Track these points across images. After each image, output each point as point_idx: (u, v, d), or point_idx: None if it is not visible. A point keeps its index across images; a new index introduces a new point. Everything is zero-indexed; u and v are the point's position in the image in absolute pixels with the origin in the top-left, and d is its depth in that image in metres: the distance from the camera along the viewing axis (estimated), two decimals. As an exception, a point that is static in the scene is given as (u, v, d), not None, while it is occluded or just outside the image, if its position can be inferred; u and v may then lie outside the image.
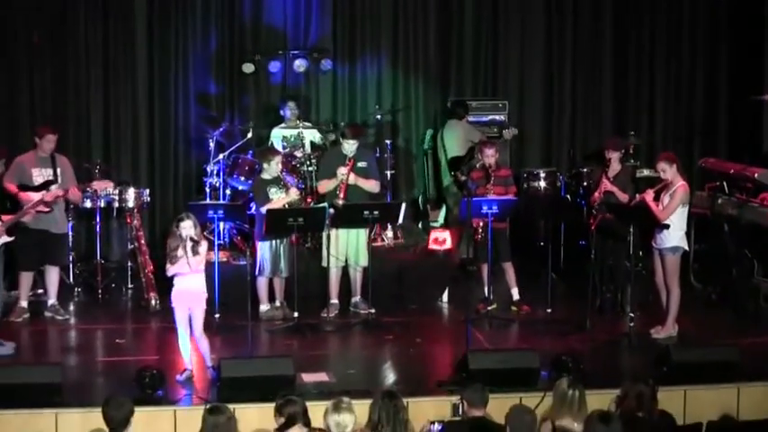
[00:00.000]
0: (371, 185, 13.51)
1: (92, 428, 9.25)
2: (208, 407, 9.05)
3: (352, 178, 13.27)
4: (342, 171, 13.26)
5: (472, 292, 13.77)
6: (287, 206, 12.98)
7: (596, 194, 13.16)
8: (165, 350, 11.88)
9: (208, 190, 15.12)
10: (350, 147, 13.34)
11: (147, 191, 14.57)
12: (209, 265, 11.51)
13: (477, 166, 13.80)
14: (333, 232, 13.32)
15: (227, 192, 14.96)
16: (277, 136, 15.39)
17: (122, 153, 15.85)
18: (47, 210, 12.68)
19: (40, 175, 12.93)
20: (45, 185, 12.77)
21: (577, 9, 16.72)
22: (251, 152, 15.11)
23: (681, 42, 16.73)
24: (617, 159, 13.32)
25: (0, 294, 12.01)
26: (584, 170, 15.18)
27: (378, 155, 15.17)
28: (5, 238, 11.81)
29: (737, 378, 10.97)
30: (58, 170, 13.01)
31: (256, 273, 13.09)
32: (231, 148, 15.20)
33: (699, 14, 16.73)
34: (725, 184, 14.42)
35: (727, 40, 16.56)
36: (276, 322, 13.08)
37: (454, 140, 15.67)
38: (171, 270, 10.95)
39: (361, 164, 13.42)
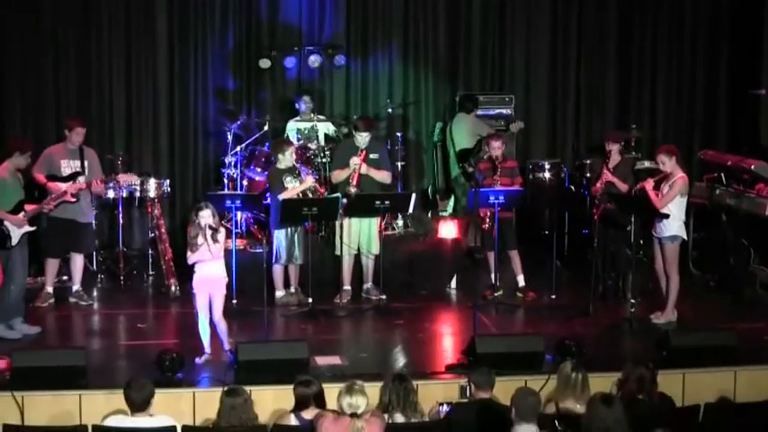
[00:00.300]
0: (383, 176, 13.52)
1: (114, 409, 9.32)
2: (225, 389, 9.11)
3: (365, 169, 13.29)
4: (355, 161, 13.28)
5: (479, 279, 13.81)
6: (301, 194, 12.99)
7: (598, 185, 13.18)
8: (184, 334, 11.90)
9: (226, 181, 15.17)
10: (363, 139, 13.35)
11: (168, 181, 14.61)
12: (226, 253, 11.54)
13: (485, 157, 13.83)
14: (346, 221, 13.34)
15: (245, 182, 14.99)
16: (292, 129, 15.42)
17: (144, 145, 15.88)
18: (73, 200, 12.75)
19: (68, 167, 12.97)
20: (72, 176, 12.83)
21: (582, 6, 16.69)
22: (267, 144, 15.15)
23: (683, 40, 16.71)
24: (617, 151, 13.34)
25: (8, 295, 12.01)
26: (587, 162, 15.18)
27: (389, 147, 15.17)
28: (27, 228, 11.87)
29: (734, 362, 11.01)
30: (86, 162, 13.05)
31: (273, 260, 13.12)
32: (248, 141, 15.25)
33: (700, 14, 16.70)
34: (723, 175, 14.42)
35: (727, 39, 16.54)
36: (291, 308, 13.11)
37: (462, 133, 15.68)
38: (192, 258, 10.99)
39: (373, 155, 13.43)
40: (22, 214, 11.80)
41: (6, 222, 11.75)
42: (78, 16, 15.51)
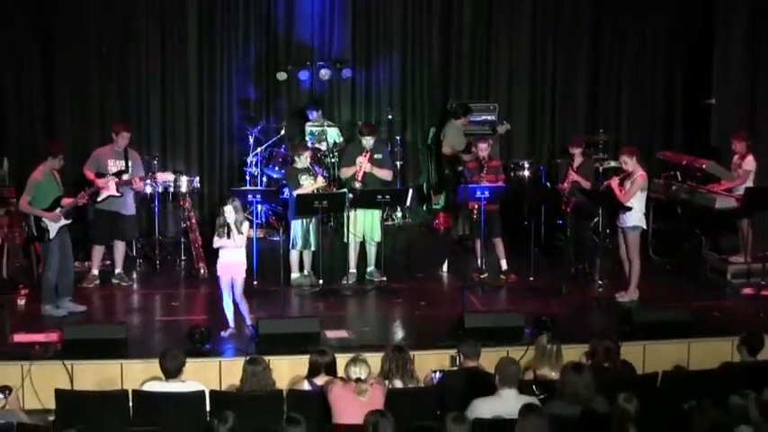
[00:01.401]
0: (385, 174, 13.53)
1: (151, 376, 9.36)
2: (248, 358, 9.16)
3: (369, 167, 13.31)
4: (360, 159, 13.31)
5: (468, 263, 13.82)
6: (316, 191, 13.02)
7: (564, 184, 13.32)
8: (211, 311, 11.93)
9: (248, 178, 15.17)
10: (367, 142, 13.38)
11: (198, 178, 14.63)
12: (248, 241, 11.58)
13: (470, 158, 13.93)
14: (352, 213, 13.33)
15: (264, 179, 15.00)
16: (306, 131, 15.44)
17: (177, 147, 15.84)
18: (118, 194, 12.83)
19: (114, 166, 13.04)
20: (117, 174, 12.89)
21: (557, 26, 16.65)
22: (284, 147, 15.16)
23: (644, 57, 16.65)
24: (579, 154, 13.46)
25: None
26: (559, 161, 15.20)
27: (389, 148, 15.15)
28: (63, 222, 11.88)
29: (688, 335, 11.07)
30: (129, 162, 13.10)
31: (290, 246, 13.14)
32: (267, 143, 15.24)
33: (660, 34, 16.66)
34: (678, 173, 14.44)
35: (683, 56, 16.48)
36: (304, 288, 13.11)
37: (447, 137, 15.64)
38: (218, 243, 11.07)
39: (377, 156, 13.45)
40: (57, 210, 11.81)
41: (44, 219, 11.79)
42: (119, 33, 15.46)
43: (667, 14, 16.56)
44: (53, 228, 11.80)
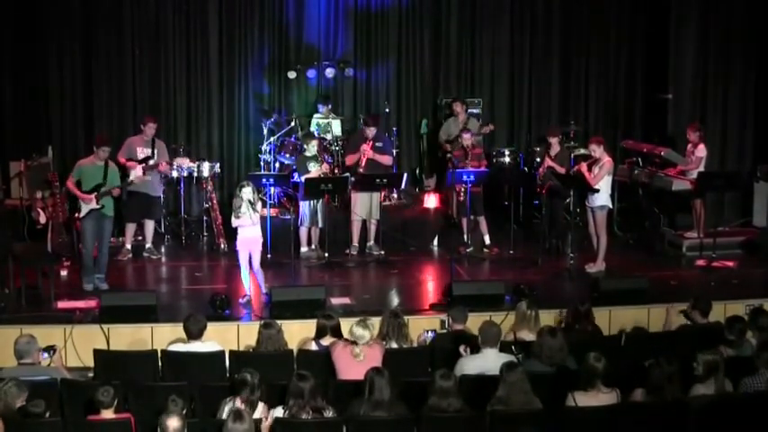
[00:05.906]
0: (386, 160, 13.53)
1: (177, 338, 9.33)
2: (262, 322, 9.15)
3: (371, 154, 13.29)
4: (364, 147, 13.29)
5: (455, 238, 13.76)
6: (322, 176, 12.98)
7: (541, 169, 13.32)
8: (230, 281, 11.91)
9: (262, 164, 15.11)
10: (370, 131, 13.36)
11: (218, 164, 14.58)
12: (262, 220, 11.56)
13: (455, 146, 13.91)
14: (354, 195, 13.31)
15: (276, 165, 14.93)
16: (314, 123, 15.37)
17: (200, 136, 15.76)
18: (147, 178, 12.80)
19: (142, 153, 13.06)
20: (145, 160, 12.89)
21: (533, 32, 16.56)
22: (294, 136, 15.09)
23: (608, 57, 16.56)
24: (556, 142, 13.37)
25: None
26: (537, 149, 15.13)
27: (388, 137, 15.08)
28: (94, 205, 11.55)
29: (647, 301, 11.06)
30: (156, 150, 13.09)
31: (299, 224, 13.09)
32: (279, 133, 15.17)
33: (622, 37, 16.57)
34: (639, 159, 14.41)
35: (642, 56, 16.40)
36: (312, 260, 13.06)
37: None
38: (235, 223, 11.06)
39: (378, 144, 13.43)
40: (93, 195, 11.59)
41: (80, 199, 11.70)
42: (151, 34, 15.40)
43: (628, 19, 16.46)
44: (84, 208, 11.67)
